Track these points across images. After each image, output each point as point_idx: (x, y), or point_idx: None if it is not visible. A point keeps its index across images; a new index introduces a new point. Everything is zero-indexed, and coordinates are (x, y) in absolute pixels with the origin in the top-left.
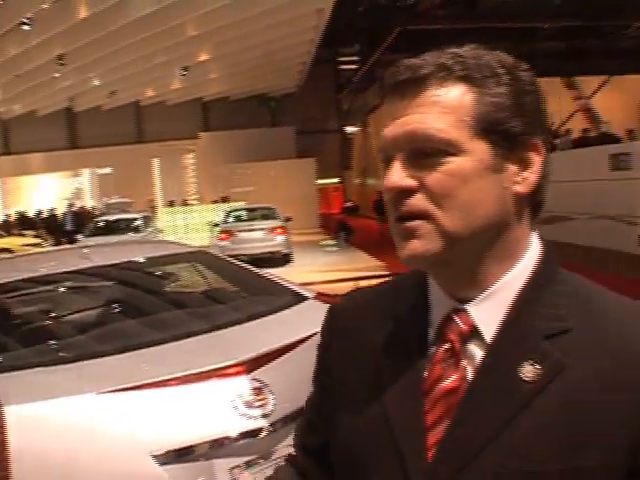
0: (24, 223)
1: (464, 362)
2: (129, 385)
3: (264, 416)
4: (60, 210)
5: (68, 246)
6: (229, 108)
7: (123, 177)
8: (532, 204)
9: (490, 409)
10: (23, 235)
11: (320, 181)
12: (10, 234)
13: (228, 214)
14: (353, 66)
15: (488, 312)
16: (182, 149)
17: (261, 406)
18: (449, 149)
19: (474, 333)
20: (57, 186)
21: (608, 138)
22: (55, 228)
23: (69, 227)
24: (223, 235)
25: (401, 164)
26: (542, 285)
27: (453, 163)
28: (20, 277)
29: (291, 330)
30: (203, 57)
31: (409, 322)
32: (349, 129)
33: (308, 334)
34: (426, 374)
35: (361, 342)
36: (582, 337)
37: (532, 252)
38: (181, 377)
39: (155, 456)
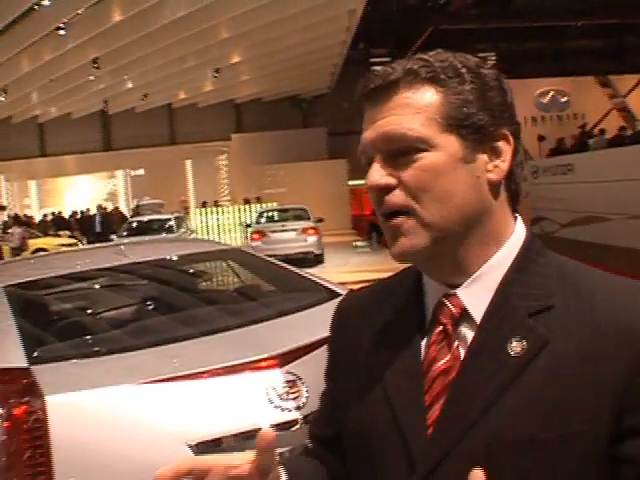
0: (59, 224)
1: (456, 343)
2: (167, 377)
3: (297, 408)
4: (93, 211)
5: (105, 243)
6: (261, 110)
7: (156, 178)
8: (508, 191)
9: (481, 385)
10: (59, 235)
11: (352, 182)
12: (46, 234)
13: (260, 215)
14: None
15: (476, 295)
16: (214, 150)
17: (295, 399)
18: (421, 146)
19: (464, 315)
20: (92, 187)
21: None
22: (87, 229)
23: (98, 229)
24: (255, 235)
25: (380, 164)
26: (526, 267)
27: (426, 158)
28: (59, 273)
29: (324, 326)
30: (235, 59)
31: (406, 310)
32: None
33: None
34: (423, 357)
35: (362, 334)
36: (565, 313)
37: (516, 237)
38: (216, 369)
39: (190, 446)
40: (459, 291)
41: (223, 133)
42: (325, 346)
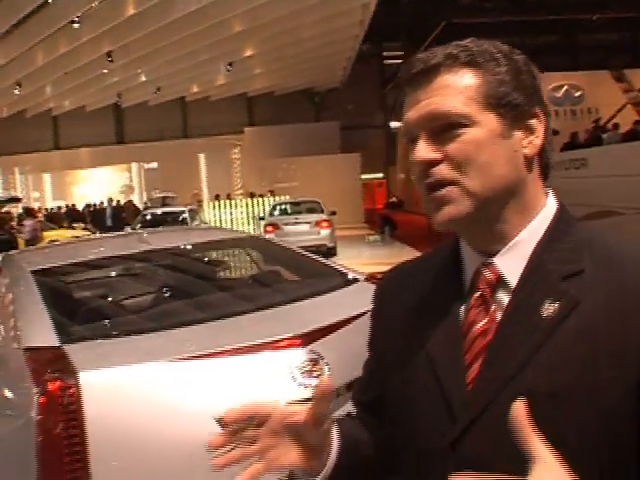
0: (73, 216)
1: (493, 307)
2: (195, 354)
3: None
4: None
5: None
6: (273, 103)
7: (169, 171)
8: (540, 166)
9: (516, 345)
10: (73, 228)
11: (364, 176)
12: (60, 227)
13: (274, 207)
14: (398, 61)
15: (511, 262)
16: (227, 144)
17: (317, 376)
18: (464, 122)
19: (500, 281)
20: (106, 180)
21: None
22: (99, 222)
23: (109, 223)
24: (269, 228)
25: (425, 141)
26: (557, 236)
27: (469, 134)
28: (84, 259)
29: (344, 308)
30: (248, 53)
31: (446, 279)
32: (394, 124)
33: (360, 312)
34: (462, 320)
35: (404, 303)
36: (594, 277)
37: (548, 209)
38: (243, 347)
39: (217, 419)
40: (495, 259)
41: (236, 126)
42: (344, 328)
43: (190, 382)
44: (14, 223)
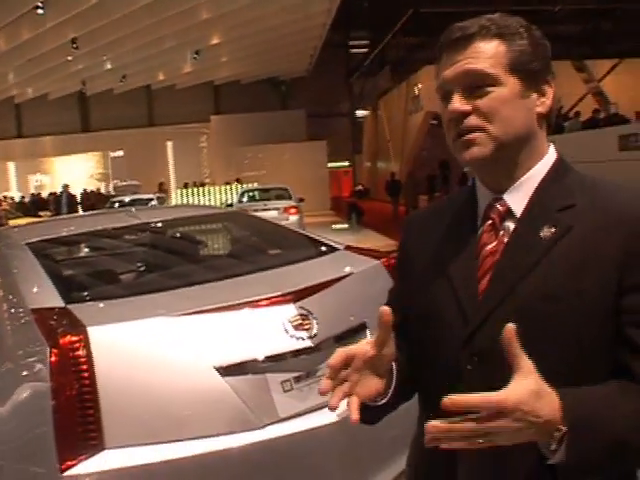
0: (38, 204)
1: (502, 232)
2: (196, 309)
3: (310, 338)
4: (76, 191)
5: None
6: (240, 91)
7: (135, 160)
8: (547, 122)
9: (519, 260)
10: (39, 216)
11: (330, 164)
12: (26, 215)
13: (242, 194)
14: (364, 50)
15: (518, 197)
16: (194, 132)
17: (307, 329)
18: (492, 81)
19: (508, 212)
20: (73, 169)
21: (617, 119)
22: (57, 209)
23: (64, 210)
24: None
25: (459, 95)
26: (555, 177)
27: (496, 92)
28: (77, 232)
29: (328, 271)
30: (215, 41)
31: (463, 214)
32: (359, 113)
33: (342, 274)
34: (476, 244)
35: (428, 234)
36: (584, 209)
37: (549, 156)
38: (239, 304)
39: (217, 368)
40: (505, 195)
41: (202, 115)
42: (330, 288)
43: (191, 335)
44: None
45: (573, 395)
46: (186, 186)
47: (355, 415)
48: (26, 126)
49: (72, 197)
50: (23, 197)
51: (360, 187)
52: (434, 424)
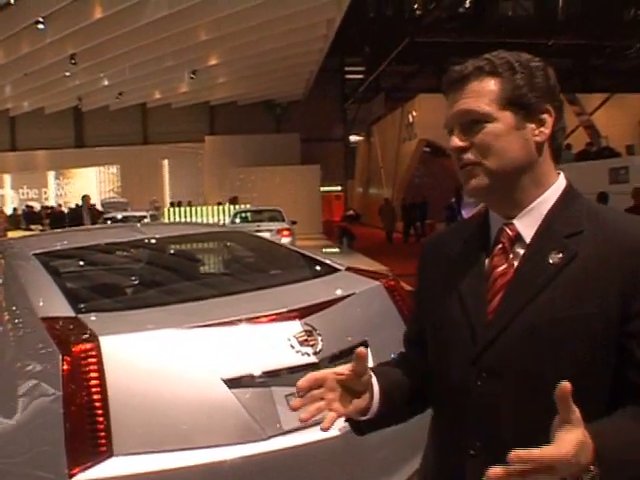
0: (31, 217)
1: (511, 256)
2: (205, 323)
3: (315, 353)
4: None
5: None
6: (235, 113)
7: (129, 176)
8: (552, 150)
9: (528, 284)
10: (30, 229)
11: (323, 189)
12: (17, 228)
13: (235, 215)
14: (359, 76)
15: (527, 223)
16: (188, 152)
17: (312, 345)
18: (486, 119)
19: (518, 237)
20: (64, 183)
21: (608, 153)
22: (57, 224)
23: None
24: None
25: (457, 133)
26: (564, 205)
27: (489, 127)
28: (95, 243)
29: (331, 290)
30: (212, 62)
31: (476, 238)
32: (353, 138)
33: (345, 294)
34: (487, 266)
35: (443, 256)
36: (591, 235)
37: (558, 184)
38: (246, 318)
39: (225, 380)
40: (515, 221)
41: (197, 135)
42: (333, 306)
43: (200, 347)
44: None
45: (602, 435)
46: (179, 205)
47: (326, 425)
48: (20, 139)
49: (93, 208)
50: (15, 210)
51: (351, 212)
52: (495, 471)
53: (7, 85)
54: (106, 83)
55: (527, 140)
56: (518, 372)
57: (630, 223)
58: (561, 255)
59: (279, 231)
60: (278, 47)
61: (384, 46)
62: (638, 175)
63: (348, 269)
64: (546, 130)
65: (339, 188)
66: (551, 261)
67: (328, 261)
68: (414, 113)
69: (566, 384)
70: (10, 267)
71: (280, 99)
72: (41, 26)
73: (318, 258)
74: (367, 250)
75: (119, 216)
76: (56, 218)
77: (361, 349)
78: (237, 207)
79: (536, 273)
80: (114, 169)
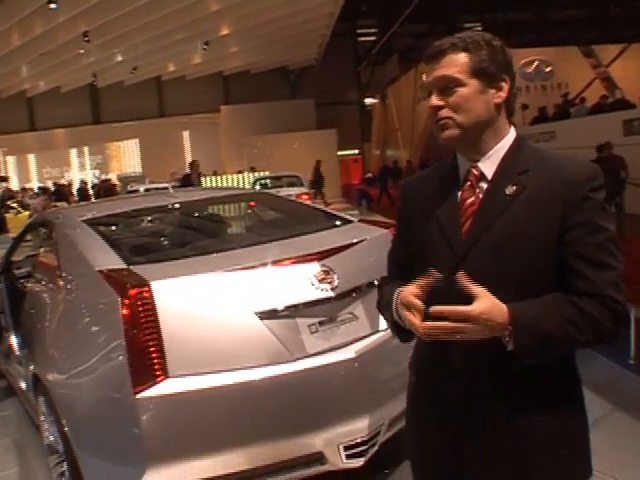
0: (59, 194)
1: (477, 190)
2: (238, 267)
3: (332, 289)
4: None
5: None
6: (249, 81)
7: (148, 150)
8: (507, 109)
9: (491, 210)
10: (56, 207)
11: (340, 153)
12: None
13: (255, 182)
14: (372, 38)
15: (489, 165)
16: (205, 122)
17: (329, 283)
18: (457, 83)
19: (482, 176)
20: (86, 160)
21: (622, 104)
22: (84, 198)
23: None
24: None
25: (435, 95)
26: (516, 150)
27: (460, 91)
28: (136, 207)
29: (346, 237)
30: (224, 32)
31: (448, 178)
32: (368, 101)
33: (358, 240)
34: (459, 198)
35: (421, 193)
36: (536, 172)
37: (511, 135)
38: (274, 261)
39: (257, 313)
40: (479, 163)
41: (212, 105)
42: (347, 250)
43: (236, 287)
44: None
45: (519, 306)
46: (200, 175)
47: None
48: (38, 119)
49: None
50: (41, 188)
51: (370, 175)
52: (426, 324)
53: (23, 66)
54: (120, 59)
55: (488, 102)
56: (486, 276)
57: (567, 161)
58: (515, 188)
59: (298, 196)
60: (289, 13)
61: (396, 7)
62: None
63: (360, 220)
64: (503, 94)
65: (356, 152)
66: (507, 192)
67: (342, 215)
68: None
69: (462, 274)
70: (62, 232)
71: (293, 65)
72: (53, 5)
73: (334, 213)
74: (386, 211)
75: (142, 189)
76: (82, 194)
77: (433, 271)
78: (256, 174)
79: (496, 202)
80: (133, 143)
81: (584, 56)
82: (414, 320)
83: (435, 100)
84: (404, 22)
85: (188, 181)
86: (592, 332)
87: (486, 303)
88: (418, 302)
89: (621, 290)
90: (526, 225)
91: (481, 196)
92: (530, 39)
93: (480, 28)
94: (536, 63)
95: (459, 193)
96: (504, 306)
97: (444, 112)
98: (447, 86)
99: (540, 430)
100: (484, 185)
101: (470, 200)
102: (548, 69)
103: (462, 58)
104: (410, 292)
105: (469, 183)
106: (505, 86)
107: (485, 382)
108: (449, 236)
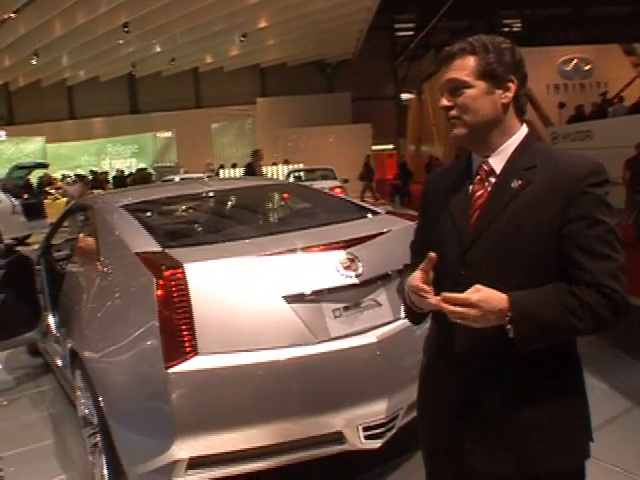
0: (95, 182)
1: (486, 184)
2: (268, 252)
3: (356, 276)
4: (127, 172)
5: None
6: (286, 74)
7: (183, 140)
8: (516, 108)
9: (498, 201)
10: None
11: (375, 147)
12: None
13: (289, 174)
14: (409, 33)
15: (498, 160)
16: (241, 114)
17: (354, 270)
18: (465, 85)
19: (491, 171)
20: (122, 149)
21: None
22: (120, 186)
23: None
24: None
25: (445, 96)
26: (524, 147)
27: (468, 92)
28: (176, 194)
29: (372, 227)
30: (262, 24)
31: (464, 171)
32: (404, 96)
33: (383, 231)
34: (470, 191)
35: (441, 186)
36: (542, 169)
37: (521, 132)
38: (302, 248)
39: (284, 297)
40: (489, 159)
41: (248, 97)
42: (373, 240)
43: (265, 271)
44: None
45: (520, 294)
46: (234, 166)
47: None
48: (77, 108)
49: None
50: (78, 175)
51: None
52: (438, 299)
53: (64, 56)
54: (158, 50)
55: (495, 102)
56: (491, 264)
57: (570, 158)
58: (520, 182)
59: (331, 189)
60: (327, 7)
61: (434, 2)
62: None
63: (388, 212)
64: (510, 94)
65: (391, 146)
66: (513, 186)
67: (370, 207)
68: None
69: (444, 294)
70: (101, 217)
71: (330, 59)
72: None
73: (362, 204)
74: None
75: (177, 178)
76: (120, 183)
77: (431, 254)
78: (290, 167)
79: (503, 195)
80: (169, 134)
81: (625, 54)
82: (427, 297)
83: (444, 101)
84: (442, 18)
85: (251, 169)
86: (591, 321)
87: (484, 292)
88: (424, 285)
89: (620, 280)
90: (530, 217)
91: (489, 189)
92: (570, 36)
93: (519, 25)
94: (575, 61)
95: (471, 186)
96: (504, 295)
97: (453, 112)
98: (456, 88)
99: (541, 413)
100: (493, 179)
101: (479, 193)
102: (587, 67)
103: (470, 61)
104: (416, 278)
105: (479, 177)
106: (512, 86)
107: (486, 367)
108: (459, 226)
